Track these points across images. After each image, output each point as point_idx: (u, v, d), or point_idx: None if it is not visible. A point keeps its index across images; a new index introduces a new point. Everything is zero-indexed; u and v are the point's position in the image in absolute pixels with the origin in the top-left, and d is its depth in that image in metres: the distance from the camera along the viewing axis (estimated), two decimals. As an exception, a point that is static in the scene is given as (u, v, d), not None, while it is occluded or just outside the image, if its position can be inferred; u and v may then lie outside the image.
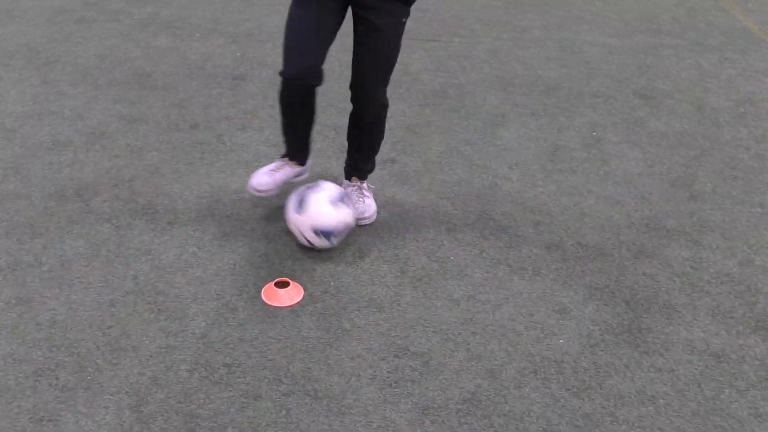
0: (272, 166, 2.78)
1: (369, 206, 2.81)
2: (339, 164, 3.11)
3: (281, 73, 2.50)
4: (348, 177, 2.86)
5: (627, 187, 3.07)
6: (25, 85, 3.64)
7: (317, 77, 2.51)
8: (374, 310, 2.38)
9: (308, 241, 2.59)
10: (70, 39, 4.14)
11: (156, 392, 2.07)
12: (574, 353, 2.23)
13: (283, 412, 2.02)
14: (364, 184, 2.85)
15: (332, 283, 2.49)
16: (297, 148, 2.77)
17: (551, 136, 3.42)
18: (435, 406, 2.05)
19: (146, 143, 3.24)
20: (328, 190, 2.58)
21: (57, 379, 2.10)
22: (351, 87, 2.60)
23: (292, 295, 2.43)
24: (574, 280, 2.54)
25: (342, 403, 2.05)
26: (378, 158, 3.20)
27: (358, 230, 2.74)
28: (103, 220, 2.75)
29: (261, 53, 4.12)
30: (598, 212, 2.90)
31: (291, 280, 2.47)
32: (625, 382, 2.14)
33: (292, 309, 2.38)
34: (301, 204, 2.55)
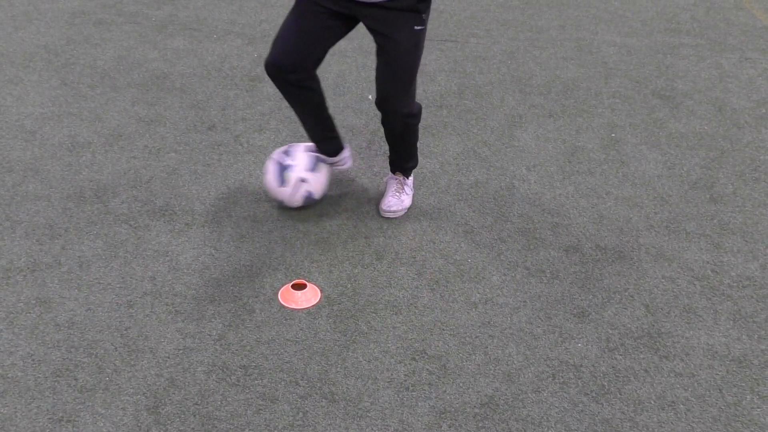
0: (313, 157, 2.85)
1: (401, 201, 2.84)
2: (356, 164, 3.11)
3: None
4: (392, 170, 2.90)
5: (646, 188, 3.04)
6: (44, 87, 3.67)
7: (293, 71, 2.52)
8: (391, 312, 2.38)
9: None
10: (88, 41, 4.16)
11: (173, 394, 2.07)
12: (593, 357, 2.21)
13: (300, 414, 2.02)
14: (408, 181, 2.89)
15: (349, 286, 2.48)
16: (316, 140, 2.81)
17: (569, 137, 3.39)
18: (452, 409, 2.04)
19: (164, 145, 3.25)
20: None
21: (76, 379, 2.11)
22: (376, 102, 2.59)
23: (308, 297, 2.43)
24: (592, 283, 2.52)
25: (359, 406, 2.05)
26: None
27: (375, 232, 2.73)
28: (121, 221, 2.76)
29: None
30: (617, 214, 2.88)
31: (308, 282, 2.47)
32: (644, 387, 2.12)
33: (308, 311, 2.38)
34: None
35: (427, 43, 4.22)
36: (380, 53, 2.51)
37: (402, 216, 2.83)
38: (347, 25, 2.51)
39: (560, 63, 4.08)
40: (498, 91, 3.77)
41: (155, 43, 4.17)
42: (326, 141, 2.82)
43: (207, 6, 4.67)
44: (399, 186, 2.87)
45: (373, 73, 3.84)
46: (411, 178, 2.93)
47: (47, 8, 4.54)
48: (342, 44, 4.14)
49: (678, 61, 4.16)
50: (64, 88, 3.67)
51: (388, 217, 2.81)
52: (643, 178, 3.11)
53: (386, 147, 3.26)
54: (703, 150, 3.35)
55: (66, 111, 3.48)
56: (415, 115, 2.67)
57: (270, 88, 3.75)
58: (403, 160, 2.86)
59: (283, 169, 2.72)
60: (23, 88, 3.65)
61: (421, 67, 3.95)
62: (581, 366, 2.18)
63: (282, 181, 2.71)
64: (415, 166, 2.91)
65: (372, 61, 3.98)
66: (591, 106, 3.66)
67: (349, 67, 3.93)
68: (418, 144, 2.90)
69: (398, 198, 2.84)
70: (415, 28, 2.44)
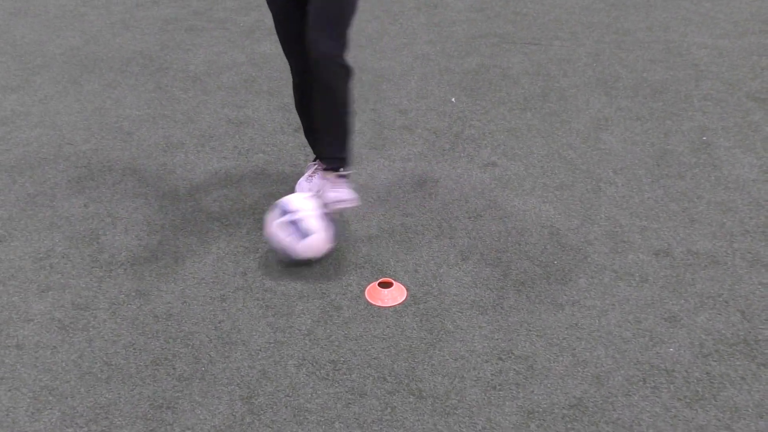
0: (308, 173, 2.89)
1: (329, 197, 2.66)
2: (440, 166, 3.13)
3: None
4: (320, 159, 2.77)
5: (740, 193, 2.95)
6: (140, 91, 3.84)
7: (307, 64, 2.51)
8: (477, 312, 2.38)
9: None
10: (180, 46, 4.33)
11: (266, 385, 2.14)
12: (686, 363, 2.16)
13: (388, 410, 2.05)
14: (339, 181, 2.68)
15: (434, 285, 2.50)
16: (312, 143, 2.89)
17: (658, 140, 3.32)
18: (540, 410, 2.03)
19: (252, 146, 3.35)
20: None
21: (174, 368, 2.20)
22: (307, 50, 2.43)
23: (395, 295, 2.46)
24: (684, 287, 2.46)
25: (446, 403, 2.06)
26: (478, 161, 3.19)
27: (460, 233, 2.74)
28: (213, 219, 2.86)
29: (361, 58, 4.18)
30: (709, 218, 2.80)
31: (394, 280, 2.50)
32: (741, 394, 2.06)
33: (395, 309, 2.41)
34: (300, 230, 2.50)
35: (510, 46, 4.22)
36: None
37: (486, 217, 2.83)
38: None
39: (647, 65, 3.99)
40: (583, 94, 3.72)
41: (243, 48, 4.31)
42: (311, 140, 2.90)
43: (292, 12, 4.79)
44: (329, 183, 2.66)
45: (456, 76, 3.87)
46: (345, 181, 2.67)
47: (142, 15, 4.75)
48: (425, 48, 4.18)
49: (773, 62, 4.01)
50: (158, 92, 3.83)
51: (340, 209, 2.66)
52: (737, 182, 3.01)
53: (469, 148, 3.27)
54: (800, 154, 3.22)
55: (160, 113, 3.63)
56: (349, 68, 2.47)
57: (354, 90, 3.82)
58: (334, 135, 2.60)
59: (296, 222, 2.50)
60: (121, 92, 3.83)
61: (503, 70, 3.96)
62: (673, 371, 2.14)
63: (303, 233, 2.50)
64: (347, 160, 2.66)
65: (454, 64, 4.00)
66: (680, 109, 3.57)
67: (432, 70, 3.96)
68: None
69: (337, 191, 2.65)
70: None
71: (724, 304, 2.38)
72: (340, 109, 2.58)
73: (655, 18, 4.60)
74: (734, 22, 4.51)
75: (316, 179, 2.82)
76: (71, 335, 2.33)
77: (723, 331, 2.28)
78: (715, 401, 2.04)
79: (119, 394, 2.12)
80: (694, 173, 3.08)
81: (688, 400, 2.04)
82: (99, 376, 2.18)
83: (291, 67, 2.72)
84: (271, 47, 4.32)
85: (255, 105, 3.69)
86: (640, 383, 2.10)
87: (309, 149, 3.32)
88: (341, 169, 2.71)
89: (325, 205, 2.61)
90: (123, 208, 2.93)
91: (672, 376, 2.12)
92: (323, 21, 2.38)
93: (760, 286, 2.46)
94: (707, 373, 2.13)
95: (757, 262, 2.56)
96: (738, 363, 2.16)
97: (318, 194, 2.68)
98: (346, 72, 2.49)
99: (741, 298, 2.41)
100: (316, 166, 2.87)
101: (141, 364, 2.22)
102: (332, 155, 2.69)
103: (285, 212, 2.52)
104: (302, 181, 2.91)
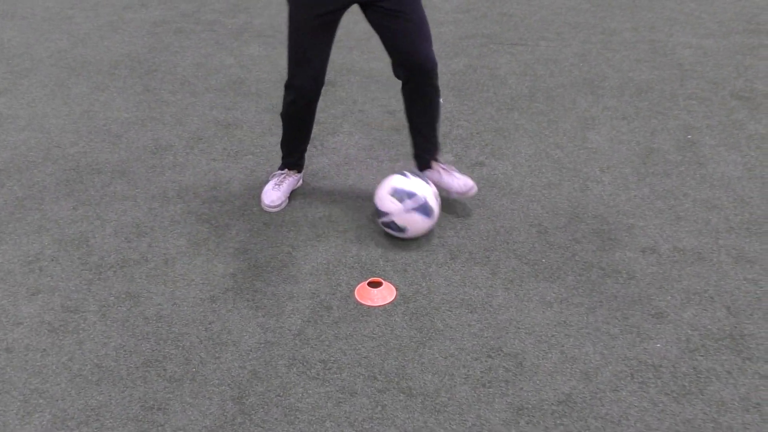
0: (275, 180, 2.96)
1: (465, 177, 2.87)
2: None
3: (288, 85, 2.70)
4: (430, 162, 2.88)
5: (725, 190, 2.98)
6: (128, 93, 3.84)
7: (318, 93, 2.73)
8: (466, 310, 2.40)
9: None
10: (168, 49, 4.33)
11: (256, 385, 2.15)
12: (673, 358, 2.19)
13: (379, 408, 2.06)
14: (440, 166, 2.89)
15: (424, 284, 2.52)
16: (298, 158, 2.97)
17: (644, 139, 3.35)
18: (529, 406, 2.05)
19: (241, 147, 3.36)
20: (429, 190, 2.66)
21: (164, 370, 2.21)
22: (410, 69, 2.61)
23: (384, 294, 2.47)
24: (670, 284, 2.49)
25: (436, 401, 2.08)
26: (467, 161, 3.23)
27: (449, 232, 2.76)
28: (202, 221, 2.87)
29: (349, 60, 4.20)
30: (695, 216, 2.83)
31: (383, 280, 2.52)
32: (727, 388, 2.08)
33: (384, 308, 2.42)
34: (427, 210, 2.63)
35: (497, 47, 4.24)
36: (392, 18, 2.53)
37: (475, 216, 2.85)
38: (335, 24, 2.61)
39: (633, 65, 4.03)
40: (570, 94, 3.75)
41: (231, 50, 4.31)
42: (303, 158, 2.98)
43: (280, 13, 4.79)
44: (446, 172, 2.86)
45: (444, 77, 3.87)
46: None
47: (130, 18, 4.75)
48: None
49: (758, 62, 4.06)
50: (147, 94, 3.83)
51: (472, 196, 2.84)
52: (722, 179, 3.05)
53: (457, 148, 3.28)
54: (784, 151, 3.26)
55: (149, 116, 3.63)
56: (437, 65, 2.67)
57: (342, 92, 3.83)
58: (435, 136, 2.83)
59: (422, 201, 2.63)
60: (109, 95, 3.83)
61: (491, 71, 3.98)
62: (661, 366, 2.16)
63: (428, 211, 2.65)
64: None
65: (441, 64, 4.01)
66: (666, 108, 3.61)
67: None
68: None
69: (459, 177, 2.84)
70: None
71: (709, 300, 2.41)
72: (439, 103, 2.80)
73: (641, 18, 4.64)
74: (719, 22, 4.55)
75: (286, 186, 2.95)
76: (61, 338, 2.33)
77: (709, 327, 2.30)
78: (702, 395, 2.06)
79: (110, 396, 2.13)
80: (679, 171, 3.11)
81: (675, 395, 2.07)
82: (89, 378, 2.19)
83: (294, 86, 2.70)
84: (260, 49, 4.32)
85: (244, 107, 3.70)
86: (628, 379, 2.12)
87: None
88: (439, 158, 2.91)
89: (453, 192, 2.84)
90: (112, 210, 2.93)
91: (659, 371, 2.15)
92: (424, 35, 2.58)
93: (745, 282, 2.49)
94: (694, 368, 2.15)
95: (741, 258, 2.60)
96: (724, 358, 2.19)
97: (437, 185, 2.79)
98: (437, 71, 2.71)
99: (726, 294, 2.44)
100: (284, 174, 2.96)
101: (131, 365, 2.22)
102: (438, 147, 2.90)
103: (411, 195, 2.62)
104: (269, 189, 2.94)
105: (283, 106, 2.79)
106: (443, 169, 2.87)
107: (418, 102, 2.73)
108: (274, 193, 2.92)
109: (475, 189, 2.84)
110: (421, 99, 2.72)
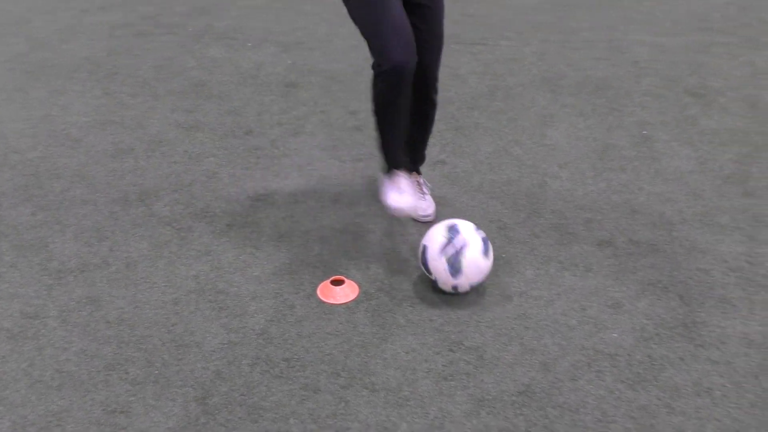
0: (402, 185, 2.63)
1: (431, 203, 2.88)
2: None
3: (381, 65, 2.28)
4: (411, 170, 2.86)
5: (678, 184, 3.06)
6: (88, 97, 3.81)
7: (412, 67, 2.34)
8: (428, 306, 2.43)
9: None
10: (129, 52, 4.30)
11: (220, 385, 2.15)
12: (628, 347, 2.24)
13: (342, 404, 2.08)
14: (423, 180, 2.91)
15: (386, 281, 2.54)
16: (399, 155, 2.64)
17: (600, 135, 3.42)
18: (490, 398, 2.08)
19: (203, 150, 3.35)
20: (475, 241, 2.41)
21: (127, 373, 2.20)
22: (415, 77, 2.40)
23: (347, 292, 2.49)
24: (626, 275, 2.55)
25: (399, 395, 2.10)
26: (428, 160, 3.26)
27: (411, 230, 2.79)
28: (164, 224, 2.86)
29: (311, 61, 4.22)
30: (650, 209, 2.90)
31: (346, 278, 2.54)
32: (680, 374, 2.14)
33: (347, 306, 2.44)
34: (454, 268, 2.39)
35: (458, 47, 4.29)
36: (422, 18, 2.38)
37: (436, 213, 2.88)
38: None
39: (591, 63, 4.10)
40: (529, 92, 3.81)
41: (193, 53, 4.30)
42: (401, 151, 2.66)
43: (242, 16, 4.79)
44: (419, 187, 2.85)
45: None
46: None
47: (90, 21, 4.71)
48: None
49: (710, 59, 4.16)
50: (106, 98, 3.80)
51: (426, 221, 2.80)
52: (675, 173, 3.13)
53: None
54: (736, 146, 3.35)
55: (109, 119, 3.61)
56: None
57: (304, 93, 3.85)
58: (424, 148, 2.82)
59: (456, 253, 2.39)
60: (68, 99, 3.79)
61: (452, 70, 4.03)
62: (617, 355, 2.21)
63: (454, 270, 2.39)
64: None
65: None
66: (622, 104, 3.68)
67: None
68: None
69: (427, 199, 2.87)
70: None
71: (663, 290, 2.48)
72: (432, 122, 2.76)
73: (600, 17, 4.73)
74: (673, 21, 4.66)
75: (411, 187, 2.69)
76: (20, 344, 2.31)
77: (663, 316, 2.37)
78: (656, 382, 2.12)
79: (71, 400, 2.11)
80: (634, 166, 3.18)
81: (630, 382, 2.12)
82: (50, 383, 2.17)
83: (392, 63, 2.26)
84: (221, 51, 4.32)
85: (205, 109, 3.69)
86: (585, 368, 2.17)
87: (259, 151, 3.33)
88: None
89: (416, 210, 2.74)
90: (72, 215, 2.91)
91: (615, 360, 2.20)
92: (437, 49, 2.52)
93: (697, 272, 2.56)
94: (648, 355, 2.21)
95: (694, 249, 2.67)
96: (677, 345, 2.25)
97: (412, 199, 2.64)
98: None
99: (680, 284, 2.50)
100: (401, 176, 2.66)
101: (93, 370, 2.21)
102: (425, 159, 2.87)
103: (462, 244, 2.39)
104: (393, 193, 2.60)
105: (379, 97, 2.39)
106: (420, 183, 2.86)
107: (414, 115, 2.60)
108: (409, 200, 2.60)
109: (433, 218, 2.83)
110: (418, 112, 2.64)
